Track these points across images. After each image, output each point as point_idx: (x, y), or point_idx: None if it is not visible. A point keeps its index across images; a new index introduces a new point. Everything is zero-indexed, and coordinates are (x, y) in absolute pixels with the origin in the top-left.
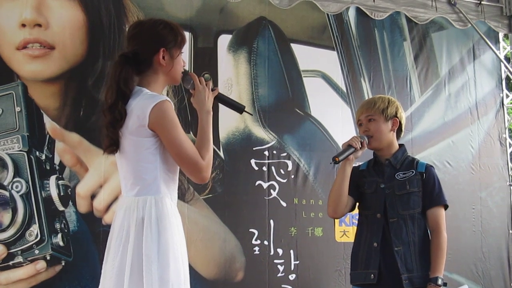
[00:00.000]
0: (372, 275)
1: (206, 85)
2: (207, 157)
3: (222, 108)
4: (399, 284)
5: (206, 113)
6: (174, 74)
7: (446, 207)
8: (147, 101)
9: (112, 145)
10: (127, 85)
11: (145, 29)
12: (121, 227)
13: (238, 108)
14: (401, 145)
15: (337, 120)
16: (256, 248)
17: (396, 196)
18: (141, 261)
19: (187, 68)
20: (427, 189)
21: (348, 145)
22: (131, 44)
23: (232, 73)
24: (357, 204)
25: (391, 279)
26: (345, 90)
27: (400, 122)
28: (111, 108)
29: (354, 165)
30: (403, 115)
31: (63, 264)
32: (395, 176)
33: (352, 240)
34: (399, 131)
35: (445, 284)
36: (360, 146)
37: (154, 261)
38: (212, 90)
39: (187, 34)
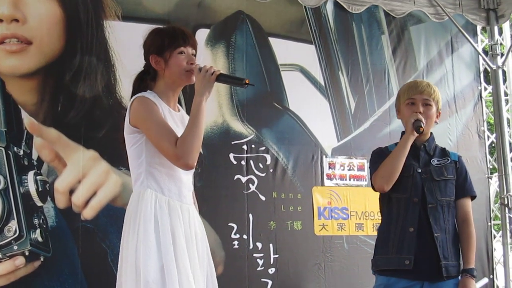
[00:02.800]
0: (407, 260)
1: (207, 70)
2: (184, 145)
3: None
4: (435, 271)
5: (195, 101)
6: (170, 75)
7: (473, 198)
8: (130, 100)
9: None
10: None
11: (144, 41)
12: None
13: (239, 83)
14: (431, 133)
15: (315, 114)
16: (235, 242)
17: (434, 182)
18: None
19: None
20: (460, 178)
21: (419, 120)
22: None
23: None
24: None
25: (426, 265)
26: (323, 84)
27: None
28: None
29: (379, 144)
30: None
31: (42, 259)
32: (431, 162)
33: (332, 234)
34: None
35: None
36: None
37: (127, 252)
38: (212, 74)
39: None
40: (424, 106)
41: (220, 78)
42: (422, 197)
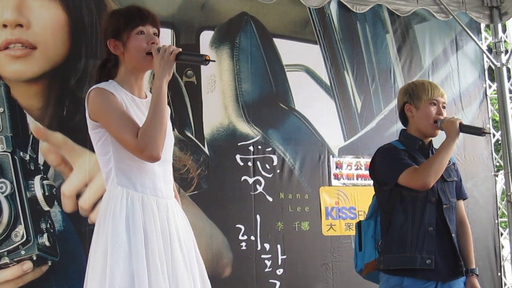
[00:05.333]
0: (428, 260)
1: (165, 50)
2: (145, 135)
3: (205, 104)
4: (451, 270)
5: (156, 84)
6: (130, 58)
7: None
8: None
9: None
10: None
11: (101, 28)
12: None
13: (199, 60)
14: None
15: (321, 114)
16: (243, 244)
17: (445, 183)
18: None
19: None
20: (458, 180)
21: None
22: None
23: (215, 69)
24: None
25: (445, 265)
26: (328, 84)
27: None
28: None
29: (386, 142)
30: None
31: (49, 264)
32: None
33: (339, 234)
34: None
35: None
36: None
37: (94, 256)
38: (171, 53)
39: (168, 32)
40: (443, 108)
41: (180, 56)
42: (438, 197)
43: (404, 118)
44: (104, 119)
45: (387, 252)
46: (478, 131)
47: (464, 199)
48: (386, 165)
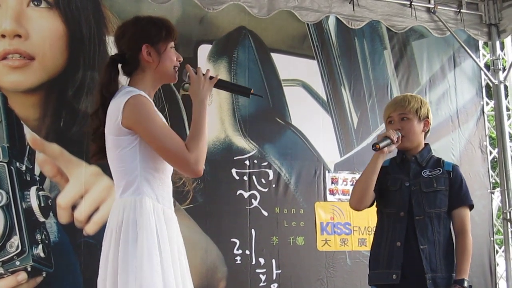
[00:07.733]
0: (394, 275)
1: (204, 74)
2: (196, 150)
3: None
4: (422, 284)
5: (199, 104)
6: (163, 69)
7: (471, 208)
8: (121, 98)
9: (99, 152)
10: (108, 90)
11: (128, 28)
12: (107, 231)
13: (244, 92)
14: (426, 144)
15: (318, 129)
16: (238, 258)
17: (423, 194)
18: (117, 267)
19: None
20: (454, 188)
21: (385, 137)
22: (117, 46)
23: None
24: (375, 201)
25: (414, 279)
26: (325, 99)
27: (430, 124)
28: (95, 114)
29: None
30: (432, 117)
31: (44, 275)
32: (422, 173)
33: (334, 249)
34: (426, 132)
35: (470, 287)
36: (396, 140)
37: (128, 266)
38: (211, 78)
39: None
40: (402, 121)
41: (219, 83)
42: (409, 210)
43: None
44: (147, 130)
45: (369, 268)
46: None
47: (466, 206)
48: None
